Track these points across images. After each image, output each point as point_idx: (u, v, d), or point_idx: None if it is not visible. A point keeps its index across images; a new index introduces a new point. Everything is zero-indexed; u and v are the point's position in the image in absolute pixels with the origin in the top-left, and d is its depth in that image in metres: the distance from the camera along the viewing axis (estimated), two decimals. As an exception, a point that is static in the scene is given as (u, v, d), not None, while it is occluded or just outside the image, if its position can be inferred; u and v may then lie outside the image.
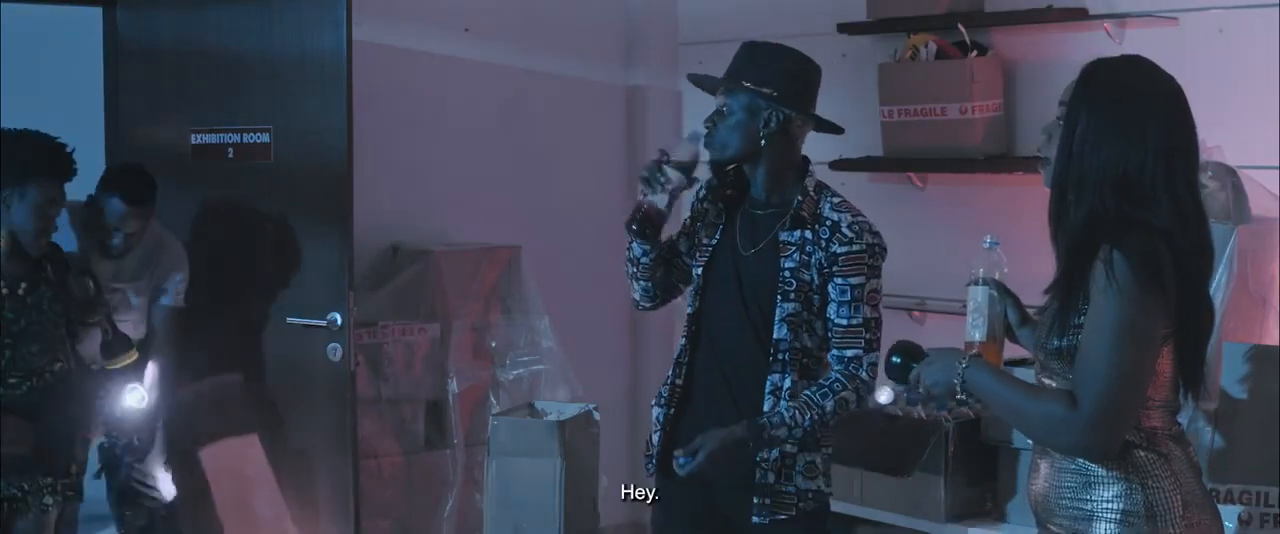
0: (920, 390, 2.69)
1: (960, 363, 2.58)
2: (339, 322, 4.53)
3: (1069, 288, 2.49)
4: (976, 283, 2.80)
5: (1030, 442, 2.68)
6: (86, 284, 4.23)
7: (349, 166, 4.48)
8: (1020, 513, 3.81)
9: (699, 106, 5.64)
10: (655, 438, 3.41)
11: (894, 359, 2.75)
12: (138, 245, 4.50)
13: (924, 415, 4.18)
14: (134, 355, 4.35)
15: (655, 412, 3.43)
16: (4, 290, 3.97)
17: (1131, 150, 2.46)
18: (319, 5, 4.51)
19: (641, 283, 3.41)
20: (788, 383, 3.23)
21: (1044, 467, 2.61)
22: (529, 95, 5.50)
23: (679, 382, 3.37)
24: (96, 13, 4.83)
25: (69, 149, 4.06)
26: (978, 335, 2.78)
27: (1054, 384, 2.57)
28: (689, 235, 3.40)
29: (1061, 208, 2.53)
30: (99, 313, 4.26)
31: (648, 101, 5.71)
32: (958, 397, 2.61)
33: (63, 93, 6.19)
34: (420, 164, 5.22)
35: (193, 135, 4.74)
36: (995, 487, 4.10)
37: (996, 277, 2.82)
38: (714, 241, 3.34)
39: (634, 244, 3.33)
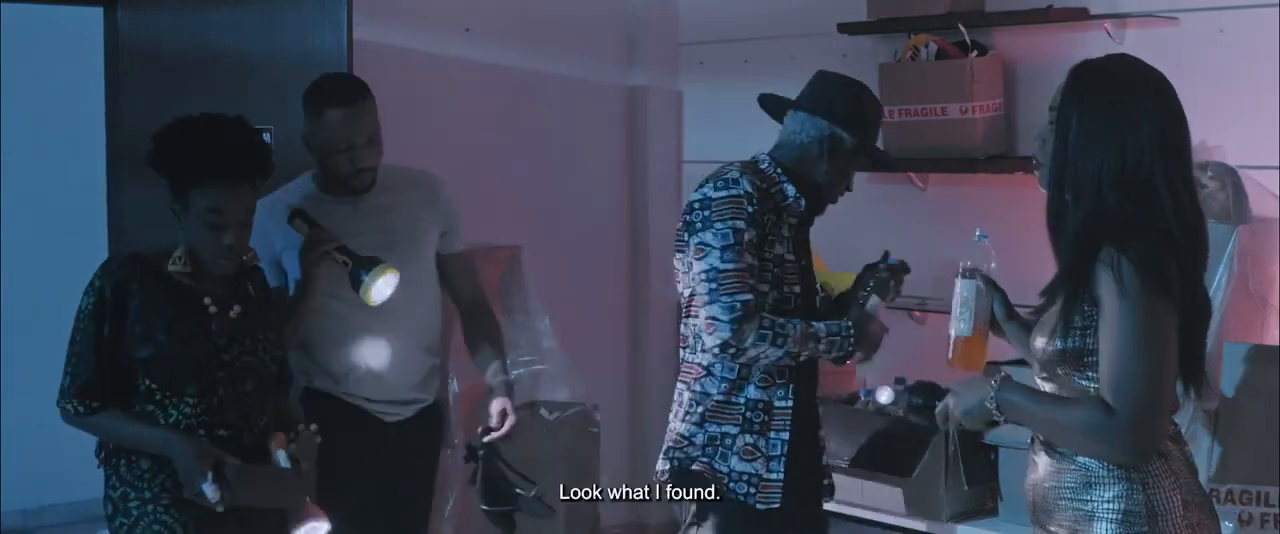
0: (953, 423, 2.68)
1: (991, 386, 2.57)
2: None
3: (1073, 288, 2.49)
4: (964, 276, 2.80)
5: (1027, 440, 2.69)
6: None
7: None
8: (1020, 513, 3.81)
9: (699, 107, 5.66)
10: (764, 464, 3.30)
11: (916, 400, 2.75)
12: (373, 175, 3.72)
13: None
14: (392, 271, 3.51)
15: (747, 438, 3.29)
16: (212, 308, 3.18)
17: (1127, 147, 2.47)
18: (319, 5, 4.50)
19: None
20: None
21: (1042, 466, 2.61)
22: (529, 95, 5.49)
23: (789, 403, 3.30)
24: (96, 13, 4.82)
25: (247, 137, 3.20)
26: (963, 329, 2.78)
27: (1053, 387, 2.58)
28: (757, 253, 3.27)
29: (1060, 209, 2.54)
30: (326, 245, 3.51)
31: (649, 102, 5.70)
32: (994, 418, 2.60)
33: (63, 93, 6.20)
34: (420, 164, 5.20)
35: (193, 135, 4.74)
36: (995, 487, 4.10)
37: (985, 270, 2.82)
38: (793, 257, 3.33)
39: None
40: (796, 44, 5.03)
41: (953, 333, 2.84)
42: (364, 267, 3.49)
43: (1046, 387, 2.60)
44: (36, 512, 6.58)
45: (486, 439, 3.72)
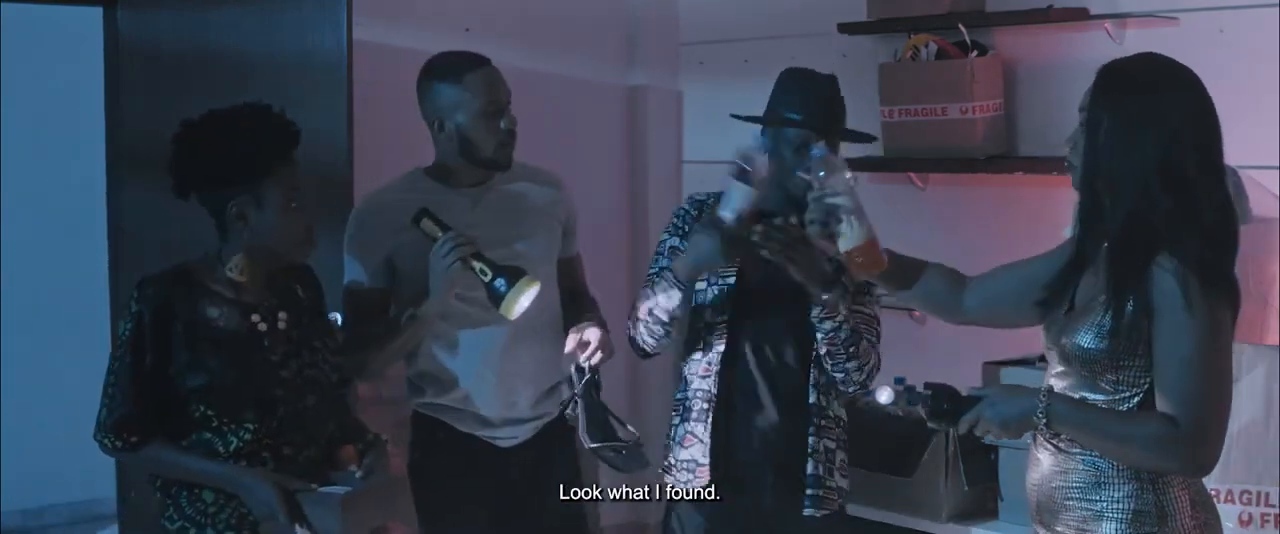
0: (984, 430, 2.61)
1: (1041, 400, 2.53)
2: (339, 322, 4.53)
3: (1117, 291, 2.46)
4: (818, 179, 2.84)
5: (1027, 440, 2.68)
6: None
7: (349, 167, 4.47)
8: (1020, 513, 3.81)
9: (700, 107, 5.66)
10: (701, 451, 3.39)
11: (935, 404, 2.66)
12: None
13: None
14: (535, 283, 3.24)
15: (687, 426, 3.42)
16: (262, 325, 2.95)
17: (1161, 144, 2.45)
18: (319, 5, 4.50)
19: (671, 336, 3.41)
20: (826, 377, 3.39)
21: (1046, 465, 2.60)
22: (529, 95, 5.47)
23: (715, 390, 3.39)
24: (96, 13, 4.83)
25: (277, 114, 3.05)
26: (860, 235, 2.83)
27: (1068, 385, 2.56)
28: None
29: (1094, 210, 2.52)
30: (463, 251, 3.21)
31: (649, 102, 5.70)
32: (1039, 429, 2.56)
33: (63, 93, 6.20)
34: (420, 164, 5.21)
35: (193, 135, 4.74)
36: (995, 487, 4.10)
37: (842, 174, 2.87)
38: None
39: (680, 301, 3.32)
40: (796, 44, 5.02)
41: (845, 249, 2.86)
42: (505, 276, 3.21)
43: (1061, 384, 2.59)
44: (37, 512, 6.58)
45: (587, 361, 3.39)
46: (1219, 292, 2.42)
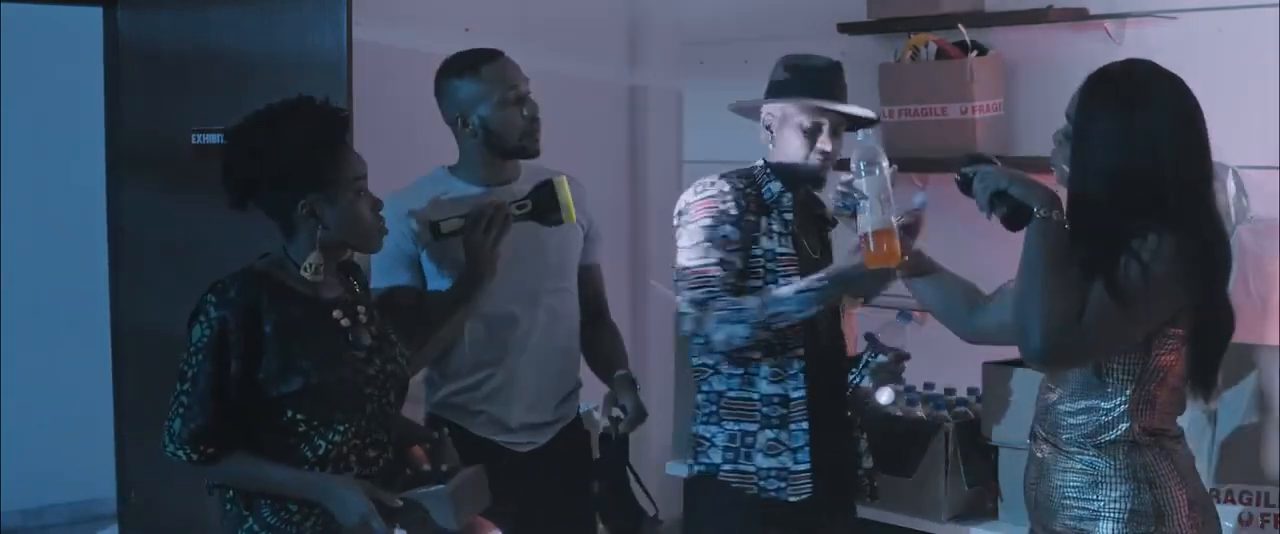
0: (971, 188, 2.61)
1: (1040, 211, 2.46)
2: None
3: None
4: (865, 173, 2.82)
5: (1026, 440, 2.68)
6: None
7: (349, 167, 4.47)
8: (1020, 513, 3.81)
9: (700, 107, 5.66)
10: (799, 456, 3.33)
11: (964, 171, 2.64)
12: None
13: (924, 415, 4.18)
14: (562, 177, 3.27)
15: (770, 434, 3.33)
16: (345, 321, 2.83)
17: (1148, 154, 2.46)
18: (319, 5, 4.51)
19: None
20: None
21: (1044, 465, 2.61)
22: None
23: (801, 394, 3.34)
24: (96, 13, 4.83)
25: (320, 99, 2.88)
26: (879, 221, 2.83)
27: (1061, 390, 2.57)
28: (744, 251, 3.30)
29: (1077, 215, 2.52)
30: (499, 216, 3.19)
31: (650, 101, 5.71)
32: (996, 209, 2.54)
33: (63, 93, 6.20)
34: (421, 165, 5.20)
35: (193, 135, 4.74)
36: (995, 487, 4.10)
37: (882, 165, 2.82)
38: (789, 250, 3.34)
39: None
40: (796, 44, 4.97)
41: (868, 229, 2.85)
42: (541, 193, 3.22)
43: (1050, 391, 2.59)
44: (37, 512, 6.58)
45: (622, 429, 3.37)
46: (1169, 263, 2.40)
